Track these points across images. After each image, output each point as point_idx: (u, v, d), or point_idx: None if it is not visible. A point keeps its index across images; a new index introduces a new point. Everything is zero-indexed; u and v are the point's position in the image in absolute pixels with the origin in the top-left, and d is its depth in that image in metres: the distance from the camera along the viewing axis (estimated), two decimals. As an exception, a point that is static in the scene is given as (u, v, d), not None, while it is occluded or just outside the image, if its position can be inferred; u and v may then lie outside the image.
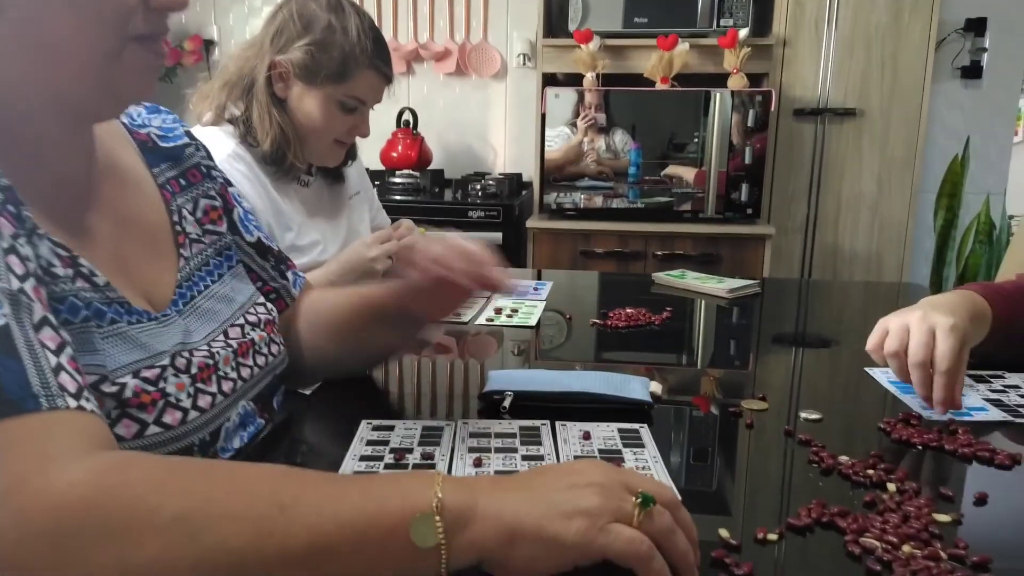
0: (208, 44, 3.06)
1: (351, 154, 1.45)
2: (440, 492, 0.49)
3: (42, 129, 0.63)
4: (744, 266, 2.48)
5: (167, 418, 0.64)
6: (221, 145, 1.24)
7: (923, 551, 0.54)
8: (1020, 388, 0.91)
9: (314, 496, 0.49)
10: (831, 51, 2.59)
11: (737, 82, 2.51)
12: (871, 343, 0.87)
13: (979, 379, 0.94)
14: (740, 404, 0.86)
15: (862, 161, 2.66)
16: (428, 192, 2.75)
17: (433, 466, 0.69)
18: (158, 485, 0.48)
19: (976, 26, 2.72)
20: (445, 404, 0.91)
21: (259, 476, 0.51)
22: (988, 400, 0.87)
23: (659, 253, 2.51)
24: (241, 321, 0.79)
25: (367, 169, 1.66)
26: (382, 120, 2.84)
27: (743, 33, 2.50)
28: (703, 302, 1.39)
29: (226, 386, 0.73)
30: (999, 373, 0.96)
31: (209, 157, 0.86)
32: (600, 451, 0.72)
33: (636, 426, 0.78)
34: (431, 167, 2.90)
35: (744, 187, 2.50)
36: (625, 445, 0.74)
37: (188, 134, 0.84)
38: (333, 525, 0.48)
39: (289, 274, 0.91)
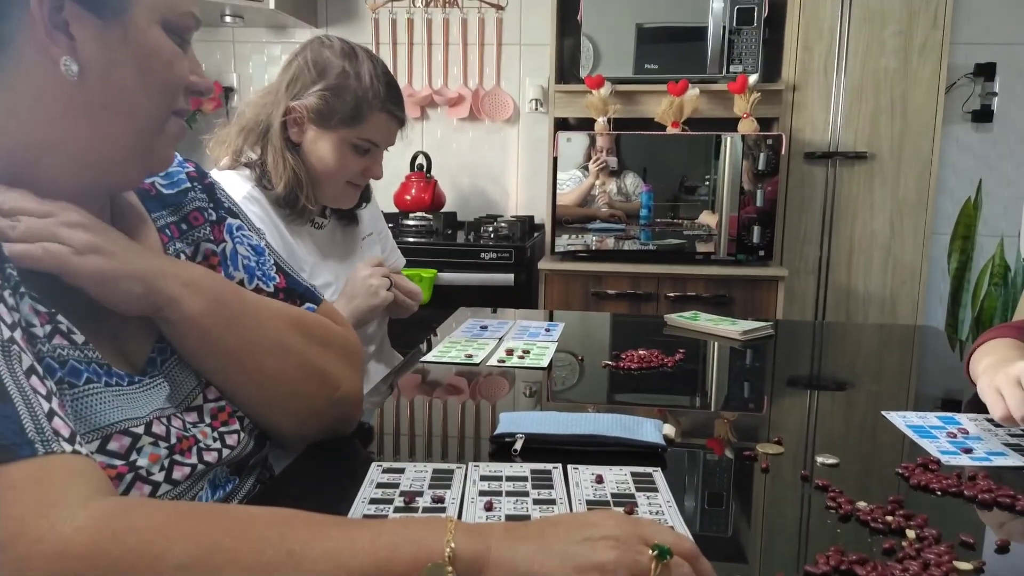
0: (228, 91, 3.13)
1: (365, 197, 1.46)
2: (453, 541, 0.48)
3: (55, 191, 0.64)
4: (757, 308, 2.47)
5: (134, 494, 0.61)
6: (236, 188, 1.26)
7: (945, 600, 0.53)
8: (1041, 432, 0.89)
9: (324, 542, 0.48)
10: (840, 95, 2.62)
11: (747, 126, 2.53)
12: (1000, 413, 0.85)
13: (997, 424, 0.93)
14: (755, 447, 0.85)
15: (874, 204, 2.67)
16: (441, 234, 2.77)
17: (443, 510, 0.68)
18: (163, 531, 0.47)
19: (986, 71, 2.75)
20: (456, 446, 0.91)
21: (266, 521, 0.51)
22: (1007, 445, 0.86)
23: (671, 295, 2.51)
24: None
25: (381, 211, 1.68)
26: (396, 163, 2.88)
27: (752, 78, 2.53)
28: (716, 344, 1.38)
29: (208, 456, 0.69)
30: (1019, 417, 0.94)
31: (211, 196, 0.83)
32: (613, 495, 0.71)
33: (649, 470, 0.77)
34: (444, 209, 2.93)
35: (756, 229, 2.51)
36: (638, 489, 0.73)
37: (190, 176, 0.81)
38: (344, 573, 0.47)
39: None
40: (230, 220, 0.83)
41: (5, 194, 0.61)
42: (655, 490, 0.73)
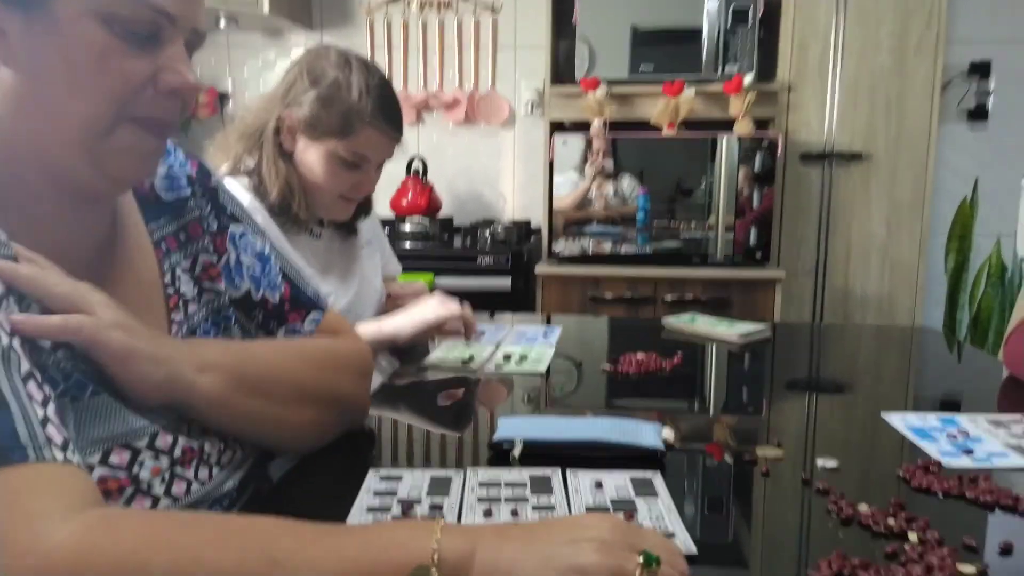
0: (222, 97, 3.12)
1: (364, 210, 1.46)
2: (438, 544, 0.48)
3: (37, 197, 0.62)
4: (755, 310, 2.47)
5: (135, 506, 0.61)
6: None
7: (949, 605, 0.52)
8: (1041, 433, 0.89)
9: (308, 550, 0.48)
10: (836, 96, 2.62)
11: (743, 127, 2.53)
12: None
13: (998, 424, 0.92)
14: (755, 451, 0.84)
15: (870, 204, 2.67)
16: (437, 239, 2.76)
17: (442, 517, 0.68)
18: (146, 542, 0.47)
19: (981, 69, 2.75)
20: (454, 452, 0.90)
21: (250, 530, 0.50)
22: (1009, 446, 0.85)
23: (669, 298, 2.51)
24: None
25: (379, 218, 1.67)
26: (392, 168, 2.86)
27: (748, 79, 2.54)
28: (714, 347, 1.38)
29: (203, 474, 0.68)
30: (1017, 417, 0.94)
31: (214, 202, 0.80)
32: (612, 501, 0.71)
33: (649, 474, 0.77)
34: (440, 214, 2.93)
35: (753, 231, 2.51)
36: (638, 494, 0.72)
37: (190, 179, 0.78)
38: None
39: (279, 332, 0.83)
40: (232, 227, 0.81)
41: (31, 266, 0.59)
42: (655, 495, 0.72)
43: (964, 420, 0.94)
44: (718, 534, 0.69)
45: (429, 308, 1.29)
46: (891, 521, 0.65)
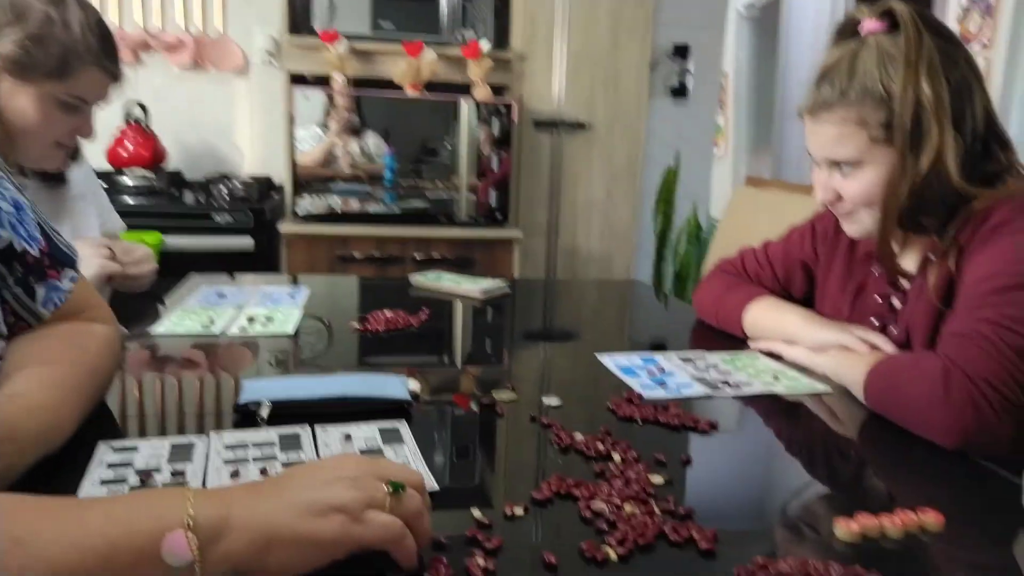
0: None
1: (74, 155, 1.31)
2: (192, 508, 0.48)
3: None
4: (496, 267, 2.63)
5: None
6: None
7: (641, 508, 0.64)
8: (718, 366, 1.08)
9: (52, 525, 0.46)
10: (563, 67, 2.83)
11: (482, 92, 2.64)
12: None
13: (687, 360, 1.10)
14: (492, 395, 0.92)
15: (592, 171, 2.95)
16: (165, 195, 2.55)
17: (185, 483, 0.66)
18: None
19: (682, 51, 3.13)
20: (195, 420, 0.87)
21: None
22: (694, 378, 1.03)
23: (417, 257, 2.57)
24: None
25: (93, 169, 1.51)
26: (108, 115, 2.58)
27: (485, 45, 2.64)
28: (459, 303, 1.46)
29: None
30: (701, 354, 1.13)
31: None
32: (361, 451, 0.74)
33: (395, 423, 0.81)
34: (168, 168, 2.69)
35: (493, 192, 2.65)
36: (385, 441, 0.76)
37: None
38: (76, 553, 0.45)
39: (40, 288, 0.79)
40: None
41: None
42: (402, 442, 0.77)
43: (660, 358, 1.11)
44: (461, 472, 0.75)
45: (87, 268, 1.21)
46: (600, 446, 0.77)
